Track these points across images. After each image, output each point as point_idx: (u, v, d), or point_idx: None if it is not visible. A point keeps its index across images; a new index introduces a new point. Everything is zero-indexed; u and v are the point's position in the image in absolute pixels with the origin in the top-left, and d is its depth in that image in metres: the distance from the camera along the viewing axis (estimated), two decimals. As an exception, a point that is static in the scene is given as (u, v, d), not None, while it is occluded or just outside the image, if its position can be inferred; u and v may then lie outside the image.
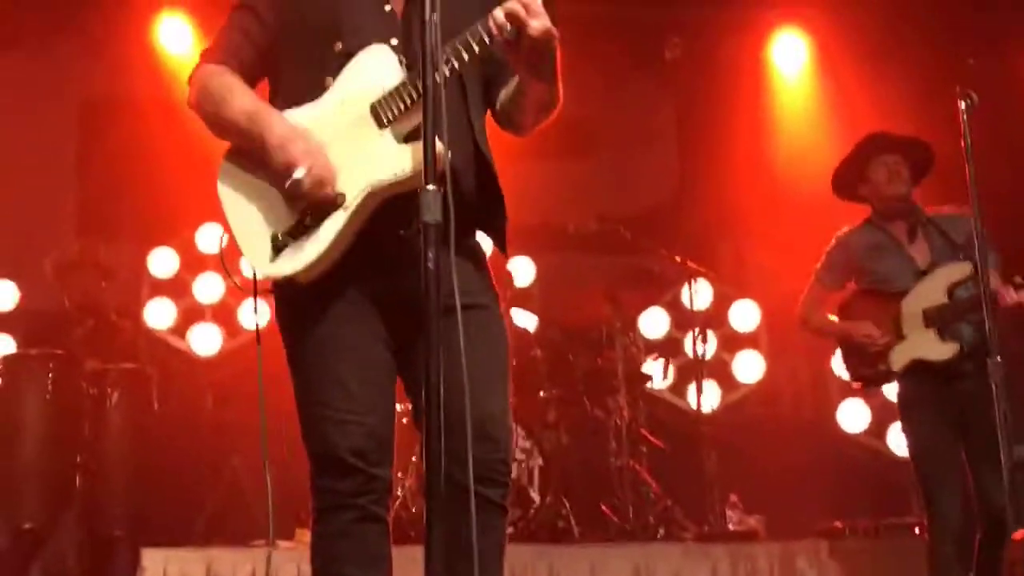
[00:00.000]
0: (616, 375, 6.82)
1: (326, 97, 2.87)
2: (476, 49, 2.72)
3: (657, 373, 7.40)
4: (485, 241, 3.08)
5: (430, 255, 2.32)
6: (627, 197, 8.39)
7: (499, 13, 2.65)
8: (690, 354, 7.52)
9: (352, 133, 2.81)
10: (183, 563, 5.60)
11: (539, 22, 2.64)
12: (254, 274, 2.88)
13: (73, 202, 8.29)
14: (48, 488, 6.08)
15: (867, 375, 5.35)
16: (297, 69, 2.95)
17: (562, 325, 7.16)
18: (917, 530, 6.38)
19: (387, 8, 2.93)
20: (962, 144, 4.22)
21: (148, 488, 6.33)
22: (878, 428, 8.04)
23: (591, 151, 8.58)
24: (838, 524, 6.83)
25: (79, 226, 8.21)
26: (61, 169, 8.26)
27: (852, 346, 5.33)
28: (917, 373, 5.11)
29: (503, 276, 6.75)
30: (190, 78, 3.02)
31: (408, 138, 2.77)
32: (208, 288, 8.17)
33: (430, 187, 2.35)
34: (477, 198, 2.93)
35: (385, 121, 2.79)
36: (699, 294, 7.29)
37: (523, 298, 7.95)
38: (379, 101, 2.80)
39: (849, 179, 5.43)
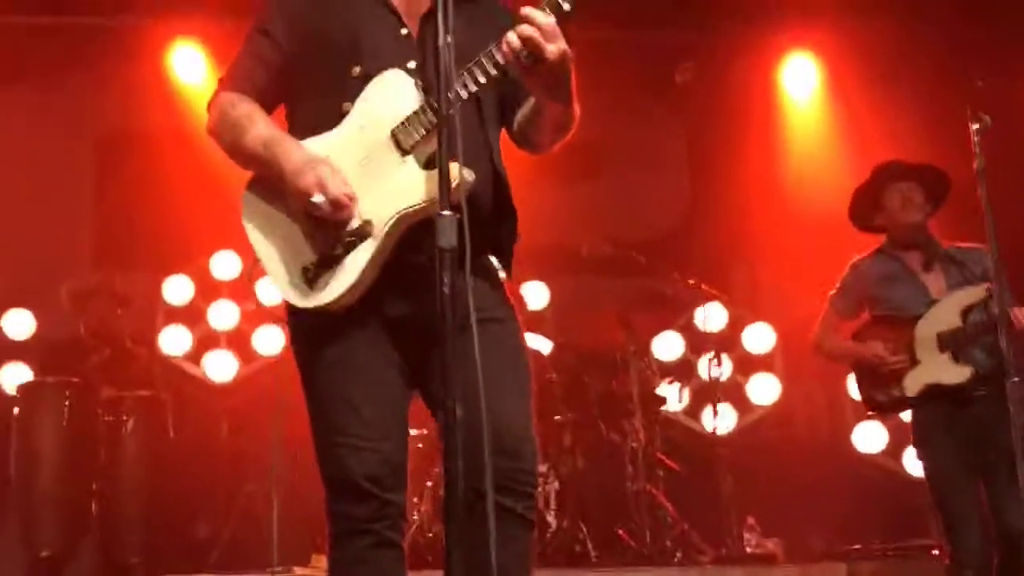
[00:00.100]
0: (631, 398, 6.81)
1: (345, 123, 2.87)
2: (493, 72, 2.73)
3: (672, 396, 7.39)
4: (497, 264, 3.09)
5: (445, 280, 2.33)
6: (640, 220, 8.41)
7: (513, 37, 2.64)
8: (705, 377, 7.52)
9: (374, 160, 2.82)
10: (200, 590, 5.61)
11: (555, 45, 2.64)
12: (286, 303, 2.89)
13: (89, 230, 8.34)
14: (65, 516, 6.11)
15: (882, 402, 5.31)
16: (314, 94, 2.96)
17: (576, 349, 7.15)
18: (935, 552, 6.35)
19: (403, 31, 2.94)
20: (974, 166, 4.22)
21: (164, 515, 6.34)
22: (895, 449, 8.00)
23: (604, 175, 8.59)
24: (856, 546, 6.80)
25: (95, 254, 8.27)
26: (77, 198, 8.32)
27: (866, 371, 5.30)
28: (932, 398, 5.08)
29: (516, 300, 6.75)
30: (208, 106, 3.03)
31: (430, 162, 2.76)
32: (223, 315, 8.19)
33: (445, 212, 2.37)
34: (491, 217, 2.94)
35: (407, 147, 2.80)
36: (713, 317, 7.30)
37: (537, 322, 7.96)
38: (399, 127, 2.80)
39: (864, 209, 5.42)
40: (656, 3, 8.12)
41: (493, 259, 3.05)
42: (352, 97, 2.87)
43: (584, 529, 6.17)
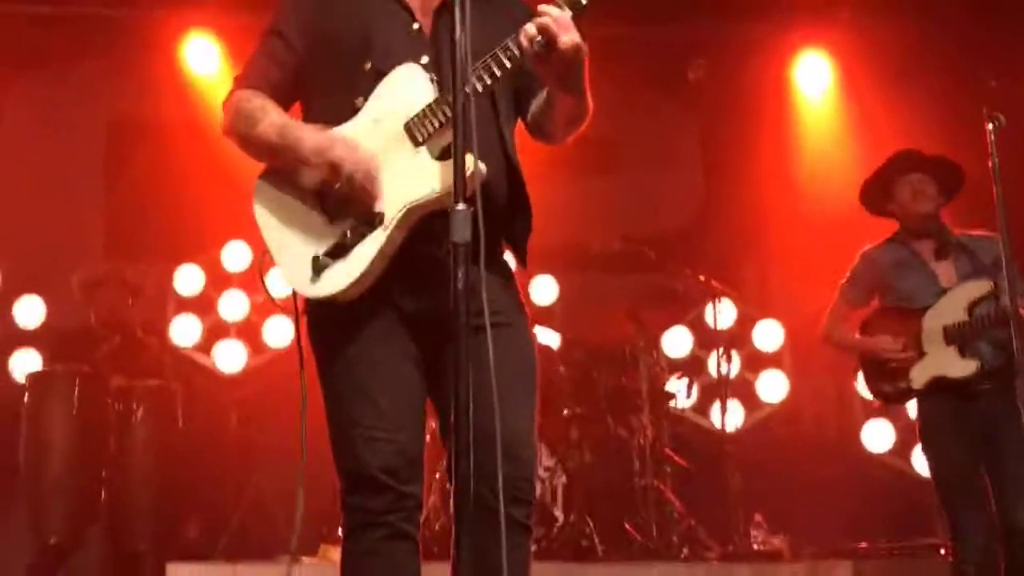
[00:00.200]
0: (640, 394, 6.81)
1: (359, 117, 2.89)
2: (508, 65, 2.75)
3: (681, 392, 7.38)
4: (508, 257, 3.10)
5: (460, 275, 2.34)
6: (651, 217, 8.41)
7: (530, 27, 2.68)
8: (714, 373, 7.51)
9: (387, 152, 2.83)
10: (208, 578, 5.63)
11: (569, 36, 2.67)
12: (294, 294, 2.91)
13: (100, 220, 8.37)
14: (74, 503, 6.13)
15: (888, 392, 5.34)
16: (328, 91, 2.98)
17: (585, 344, 7.15)
18: (942, 551, 6.35)
19: (415, 27, 2.96)
20: (989, 165, 4.23)
21: (172, 504, 6.36)
22: (902, 448, 7.99)
23: (615, 171, 8.59)
24: (863, 544, 6.80)
25: (106, 244, 8.29)
26: (88, 187, 8.35)
27: (873, 363, 5.32)
28: (937, 391, 5.10)
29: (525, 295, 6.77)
30: (223, 104, 3.05)
31: (443, 155, 2.78)
32: (233, 305, 8.20)
33: (460, 207, 2.37)
34: (506, 209, 2.95)
35: (420, 139, 2.81)
36: (723, 314, 7.30)
37: (546, 317, 7.97)
38: (413, 119, 2.82)
39: (876, 196, 5.44)
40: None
41: (507, 253, 3.07)
42: (365, 92, 2.89)
43: (591, 523, 6.17)
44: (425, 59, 2.90)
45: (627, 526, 6.43)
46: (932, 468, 5.17)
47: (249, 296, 8.16)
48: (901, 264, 5.31)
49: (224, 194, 6.81)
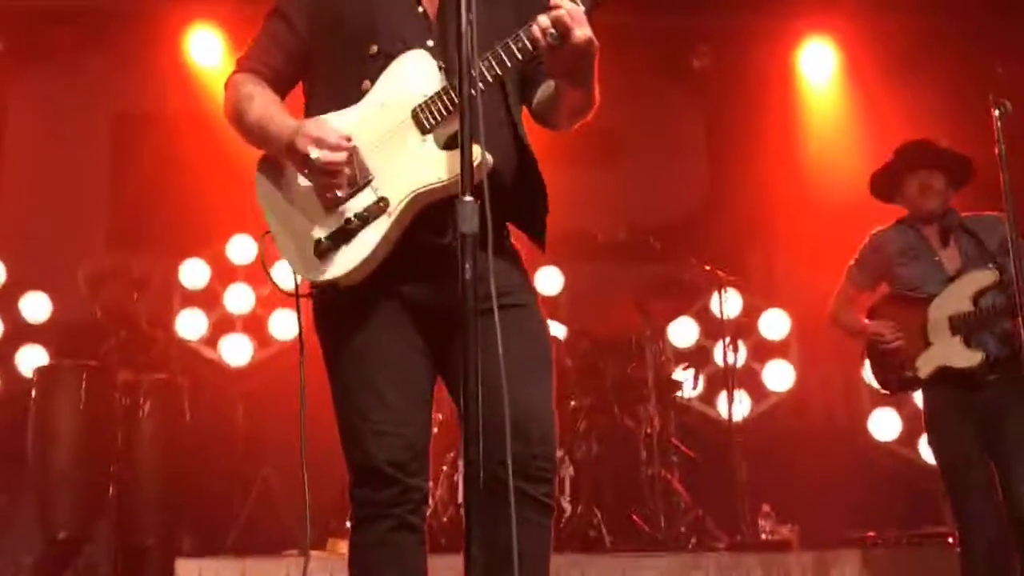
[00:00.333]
0: (646, 384, 6.80)
1: (366, 101, 2.88)
2: (519, 56, 2.74)
3: (687, 382, 7.38)
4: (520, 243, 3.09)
5: (467, 266, 2.33)
6: (656, 206, 8.40)
7: (544, 19, 2.67)
8: (720, 363, 7.50)
9: (394, 138, 2.82)
10: (217, 572, 5.63)
11: (582, 30, 2.67)
12: (296, 281, 2.90)
13: (105, 214, 8.36)
14: (81, 498, 6.13)
15: (893, 381, 5.33)
16: (332, 74, 2.97)
17: (591, 334, 7.15)
18: (950, 540, 6.34)
19: (420, 10, 2.95)
20: (996, 152, 4.22)
21: (180, 498, 6.37)
22: (910, 437, 7.99)
23: (620, 160, 8.58)
24: (870, 534, 6.79)
25: (111, 238, 8.28)
26: (93, 181, 8.34)
27: (878, 352, 5.32)
28: (943, 381, 5.08)
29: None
30: (224, 87, 3.07)
31: (450, 143, 2.77)
32: (239, 299, 8.21)
33: (467, 198, 2.36)
34: (519, 190, 2.94)
35: (427, 126, 2.81)
36: (729, 303, 7.28)
37: (552, 308, 7.96)
38: (420, 106, 2.81)
39: (884, 188, 5.43)
40: (674, -12, 8.11)
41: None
42: (371, 75, 2.88)
43: (598, 514, 6.18)
44: (430, 42, 2.89)
45: (635, 517, 6.43)
46: (938, 457, 5.16)
47: (255, 289, 8.16)
48: (908, 250, 5.29)
49: (229, 187, 6.80)
